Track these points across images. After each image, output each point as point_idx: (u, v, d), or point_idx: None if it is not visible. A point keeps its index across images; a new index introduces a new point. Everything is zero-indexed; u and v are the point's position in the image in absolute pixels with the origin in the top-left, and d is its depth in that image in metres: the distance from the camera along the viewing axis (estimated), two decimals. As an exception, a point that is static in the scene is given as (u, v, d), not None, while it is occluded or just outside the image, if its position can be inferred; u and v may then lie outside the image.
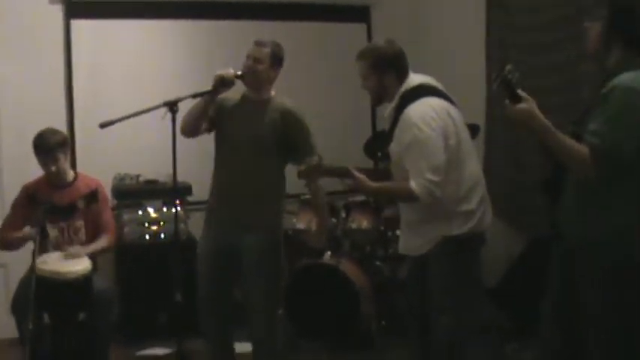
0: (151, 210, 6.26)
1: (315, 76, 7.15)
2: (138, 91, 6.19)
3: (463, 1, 6.94)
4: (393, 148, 4.08)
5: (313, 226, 5.99)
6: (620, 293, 3.20)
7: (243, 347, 4.80)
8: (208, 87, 4.37)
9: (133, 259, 6.14)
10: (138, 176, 6.43)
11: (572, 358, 3.43)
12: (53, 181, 5.02)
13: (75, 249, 4.89)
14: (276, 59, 4.54)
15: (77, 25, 6.53)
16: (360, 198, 6.19)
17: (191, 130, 4.47)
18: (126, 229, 6.17)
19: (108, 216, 5.20)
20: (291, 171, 4.63)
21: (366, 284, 5.81)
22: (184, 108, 4.32)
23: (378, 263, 6.35)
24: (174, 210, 5.13)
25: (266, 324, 4.57)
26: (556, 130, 3.15)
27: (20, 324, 4.66)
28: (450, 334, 4.04)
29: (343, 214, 6.26)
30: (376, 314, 5.92)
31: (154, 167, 6.22)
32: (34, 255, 4.62)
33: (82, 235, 5.04)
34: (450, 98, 4.14)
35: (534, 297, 3.74)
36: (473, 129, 5.14)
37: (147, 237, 6.20)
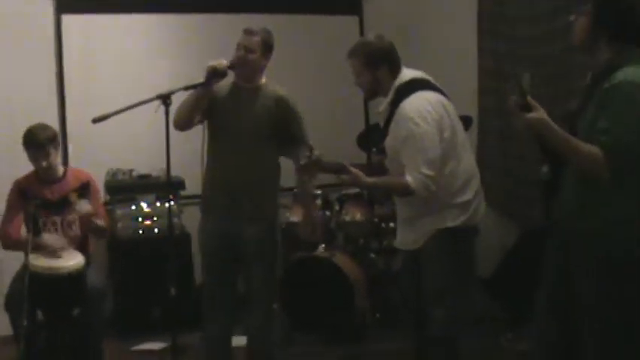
0: (144, 205, 6.25)
1: (308, 69, 7.15)
2: (130, 85, 6.18)
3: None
4: (389, 142, 4.08)
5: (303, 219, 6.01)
6: (620, 287, 3.20)
7: (238, 341, 4.81)
8: (201, 79, 4.36)
9: (126, 254, 6.13)
10: (131, 171, 6.42)
11: (568, 348, 3.43)
12: (43, 176, 5.00)
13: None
14: (267, 47, 4.53)
15: (68, 19, 6.51)
16: (353, 191, 6.19)
17: (185, 122, 4.46)
18: (119, 224, 6.16)
19: (101, 209, 5.20)
20: (284, 164, 4.64)
21: (360, 277, 5.81)
22: (177, 101, 4.31)
23: (372, 256, 6.36)
24: (167, 204, 5.11)
25: (264, 313, 4.60)
26: (565, 133, 3.15)
27: (14, 321, 4.66)
28: (445, 327, 4.04)
29: (337, 207, 6.26)
30: (370, 307, 5.94)
31: (146, 162, 6.21)
32: (27, 251, 4.62)
33: (77, 228, 5.03)
34: (442, 91, 4.14)
35: (528, 288, 3.74)
36: (465, 121, 5.15)
37: (140, 232, 6.20)
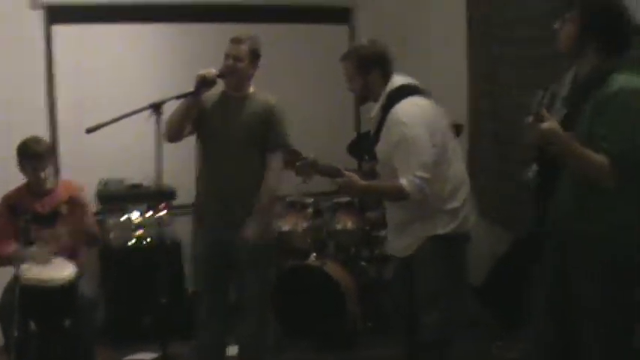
0: (135, 214, 6.24)
1: (298, 78, 7.15)
2: (121, 95, 6.16)
3: (445, 1, 6.96)
4: (381, 147, 4.11)
5: (298, 228, 6.03)
6: (625, 292, 3.26)
7: (230, 350, 4.81)
8: (191, 88, 4.38)
9: (118, 264, 6.12)
10: (122, 181, 6.41)
11: (565, 349, 3.46)
12: (34, 189, 5.00)
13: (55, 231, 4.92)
14: (255, 55, 4.57)
15: (58, 30, 6.50)
16: (344, 199, 6.21)
17: (176, 132, 4.48)
18: (111, 234, 6.14)
19: (91, 220, 5.20)
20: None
21: (351, 285, 5.82)
22: (168, 110, 4.32)
23: (363, 264, 6.36)
24: (158, 214, 5.12)
25: (257, 321, 4.62)
26: (575, 142, 3.16)
27: (5, 331, 4.65)
28: (437, 334, 4.06)
29: (328, 216, 6.26)
30: (362, 314, 5.94)
31: (138, 171, 6.19)
32: (18, 263, 4.62)
33: (67, 240, 5.02)
34: (433, 99, 4.17)
35: (519, 296, 3.77)
36: (456, 128, 5.16)
37: (132, 241, 6.19)
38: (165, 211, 6.02)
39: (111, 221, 6.18)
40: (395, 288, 4.40)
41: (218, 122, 4.55)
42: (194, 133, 4.60)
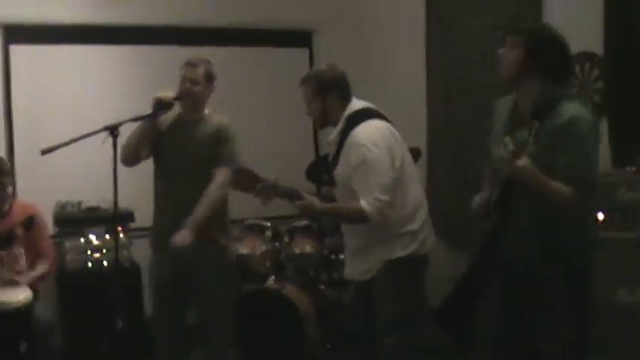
0: (93, 237, 6.19)
1: (257, 101, 7.16)
2: (78, 117, 6.14)
3: (404, 27, 7.02)
4: (340, 170, 4.12)
5: (257, 251, 6.01)
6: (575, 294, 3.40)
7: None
8: (148, 111, 4.37)
9: (75, 287, 6.05)
10: (79, 203, 6.37)
11: None
12: None
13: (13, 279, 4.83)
14: (210, 77, 4.59)
15: (16, 50, 6.47)
16: (302, 223, 6.21)
17: (133, 156, 4.46)
18: (68, 257, 6.08)
19: (47, 242, 5.16)
20: (234, 197, 4.64)
21: (310, 308, 5.81)
22: (125, 133, 4.29)
23: (322, 287, 6.36)
24: (114, 237, 5.08)
25: (219, 343, 4.60)
26: (544, 176, 3.22)
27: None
28: (394, 356, 4.06)
29: (287, 239, 6.26)
30: (321, 337, 5.93)
31: (96, 194, 6.15)
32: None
33: (23, 262, 4.97)
34: (391, 122, 4.19)
35: (475, 319, 3.81)
36: (415, 153, 5.19)
37: (89, 264, 6.13)
38: (122, 234, 5.98)
39: (68, 244, 6.12)
40: (354, 311, 4.40)
41: (174, 145, 4.54)
42: (150, 156, 4.59)
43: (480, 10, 6.12)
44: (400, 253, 4.03)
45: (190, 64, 4.55)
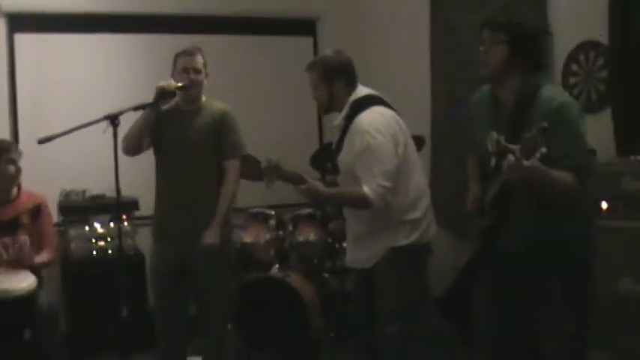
0: (97, 225, 6.21)
1: (262, 89, 7.17)
2: (82, 105, 6.15)
3: (408, 14, 7.01)
4: (343, 156, 4.12)
5: (261, 240, 6.02)
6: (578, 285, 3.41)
7: (192, 361, 4.81)
8: (151, 100, 4.37)
9: (80, 275, 6.08)
10: (84, 192, 6.38)
11: None
12: None
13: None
14: (205, 64, 4.59)
15: (21, 38, 6.47)
16: (306, 211, 6.21)
17: (134, 146, 4.46)
18: (73, 246, 6.11)
19: (51, 231, 5.17)
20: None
21: (314, 296, 5.82)
22: (125, 122, 4.29)
23: (325, 275, 6.37)
24: (118, 225, 5.10)
25: (217, 332, 4.61)
26: (548, 170, 3.18)
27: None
28: (398, 345, 4.07)
29: (290, 227, 6.26)
30: (325, 326, 5.94)
31: (100, 182, 6.16)
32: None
33: (28, 249, 4.97)
34: (396, 110, 4.19)
35: (472, 316, 3.83)
36: (418, 141, 5.19)
37: (94, 253, 6.16)
38: (126, 223, 6.00)
39: (72, 232, 6.15)
40: (356, 299, 4.41)
41: (175, 135, 4.55)
42: (151, 147, 4.60)
43: (480, 4, 6.11)
44: (403, 241, 4.03)
45: (189, 54, 4.54)
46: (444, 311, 5.65)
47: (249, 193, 4.79)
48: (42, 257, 5.02)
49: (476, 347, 3.79)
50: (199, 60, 4.53)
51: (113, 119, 4.09)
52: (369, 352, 4.27)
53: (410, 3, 6.99)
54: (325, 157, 5.89)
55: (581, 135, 3.27)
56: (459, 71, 6.34)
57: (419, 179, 4.15)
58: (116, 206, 4.66)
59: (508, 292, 3.54)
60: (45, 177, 6.04)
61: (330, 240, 6.19)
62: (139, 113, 4.41)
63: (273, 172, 4.26)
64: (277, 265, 5.95)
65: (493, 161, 3.46)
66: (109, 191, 6.16)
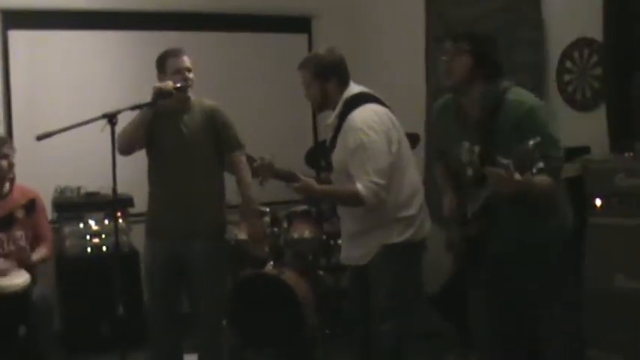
0: (92, 222, 6.20)
1: (257, 87, 7.17)
2: (77, 102, 6.16)
3: (403, 11, 7.01)
4: (337, 154, 4.13)
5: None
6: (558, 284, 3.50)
7: (188, 358, 4.79)
8: (147, 99, 4.37)
9: (74, 272, 6.07)
10: (79, 188, 6.37)
11: None
12: None
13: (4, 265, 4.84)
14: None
15: (15, 35, 6.46)
16: (301, 208, 6.21)
17: (128, 145, 4.46)
18: (67, 242, 6.10)
19: (46, 226, 5.17)
20: (232, 181, 4.66)
21: (308, 293, 5.82)
22: (122, 122, 4.28)
23: (320, 272, 6.37)
24: (114, 222, 5.09)
25: (212, 330, 4.61)
26: (532, 179, 3.17)
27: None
28: (391, 342, 4.07)
29: (285, 224, 6.26)
30: (320, 323, 5.94)
31: (95, 179, 6.15)
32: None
33: (24, 244, 4.97)
34: (389, 107, 4.20)
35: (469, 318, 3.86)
36: (413, 138, 5.19)
37: (88, 250, 6.15)
38: (121, 220, 6.00)
39: (67, 229, 6.14)
40: (351, 296, 4.41)
41: (168, 135, 4.54)
42: (143, 148, 4.60)
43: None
44: (397, 238, 4.04)
45: (180, 54, 4.55)
46: (439, 309, 5.68)
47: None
48: (39, 254, 5.02)
49: (475, 348, 3.81)
50: (188, 59, 4.54)
51: (111, 118, 4.09)
52: (364, 349, 4.27)
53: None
54: (319, 155, 5.89)
55: (553, 136, 3.29)
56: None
57: (413, 177, 4.15)
58: (112, 203, 4.66)
59: (501, 293, 3.57)
60: (40, 173, 6.02)
61: (325, 237, 6.19)
62: (136, 112, 4.41)
63: (266, 171, 4.27)
64: (272, 262, 5.95)
65: (470, 170, 3.49)
66: (104, 188, 6.14)
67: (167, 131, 4.54)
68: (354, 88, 4.18)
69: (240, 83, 6.98)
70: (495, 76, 3.44)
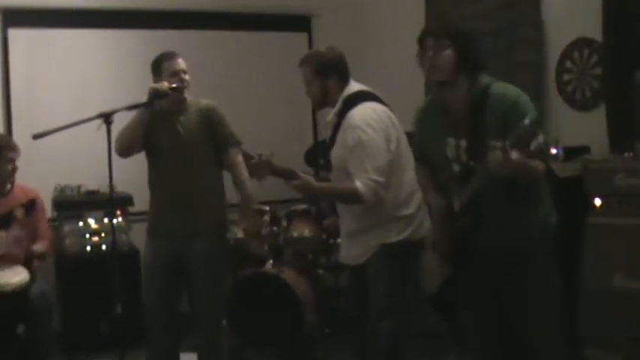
0: (92, 221, 6.20)
1: (256, 86, 7.17)
2: (77, 100, 6.17)
3: (403, 11, 7.01)
4: (336, 152, 4.14)
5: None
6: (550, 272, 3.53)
7: (187, 358, 4.79)
8: (143, 99, 4.37)
9: (74, 271, 6.07)
10: (79, 187, 6.38)
11: None
12: None
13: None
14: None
15: (15, 34, 6.46)
16: (301, 207, 6.21)
17: (127, 147, 4.46)
18: (67, 241, 6.11)
19: (45, 227, 5.18)
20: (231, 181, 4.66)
21: (308, 292, 5.82)
22: (118, 121, 4.28)
23: (320, 271, 6.36)
24: (112, 221, 5.10)
25: (212, 330, 4.62)
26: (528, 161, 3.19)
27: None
28: (389, 342, 4.07)
29: (285, 223, 6.26)
30: (319, 322, 5.94)
31: (95, 178, 6.16)
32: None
33: (23, 242, 4.98)
34: (388, 106, 4.20)
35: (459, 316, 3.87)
36: (412, 137, 5.18)
37: (88, 248, 6.15)
38: (121, 218, 6.00)
39: (67, 228, 6.14)
40: (349, 295, 4.42)
41: (168, 135, 4.54)
42: (142, 151, 4.60)
43: None
44: (395, 237, 4.04)
45: (175, 56, 4.56)
46: (437, 308, 5.67)
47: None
48: (39, 246, 5.03)
49: (467, 345, 3.82)
50: (182, 61, 4.54)
51: (107, 117, 4.09)
52: (363, 348, 4.28)
53: (406, -1, 7.00)
54: (319, 154, 5.89)
55: (539, 124, 3.25)
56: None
57: (412, 175, 4.14)
58: (112, 202, 4.67)
59: (489, 291, 3.58)
60: (39, 172, 6.02)
61: (324, 236, 6.19)
62: (133, 111, 4.41)
63: (264, 169, 4.27)
64: (271, 261, 5.94)
65: (456, 166, 3.49)
66: (104, 187, 6.16)
67: (164, 132, 4.54)
68: (353, 86, 4.19)
69: (240, 82, 6.97)
70: (478, 71, 3.48)
